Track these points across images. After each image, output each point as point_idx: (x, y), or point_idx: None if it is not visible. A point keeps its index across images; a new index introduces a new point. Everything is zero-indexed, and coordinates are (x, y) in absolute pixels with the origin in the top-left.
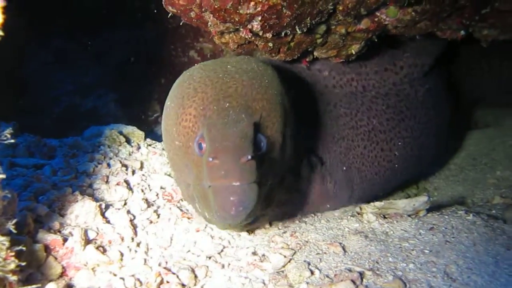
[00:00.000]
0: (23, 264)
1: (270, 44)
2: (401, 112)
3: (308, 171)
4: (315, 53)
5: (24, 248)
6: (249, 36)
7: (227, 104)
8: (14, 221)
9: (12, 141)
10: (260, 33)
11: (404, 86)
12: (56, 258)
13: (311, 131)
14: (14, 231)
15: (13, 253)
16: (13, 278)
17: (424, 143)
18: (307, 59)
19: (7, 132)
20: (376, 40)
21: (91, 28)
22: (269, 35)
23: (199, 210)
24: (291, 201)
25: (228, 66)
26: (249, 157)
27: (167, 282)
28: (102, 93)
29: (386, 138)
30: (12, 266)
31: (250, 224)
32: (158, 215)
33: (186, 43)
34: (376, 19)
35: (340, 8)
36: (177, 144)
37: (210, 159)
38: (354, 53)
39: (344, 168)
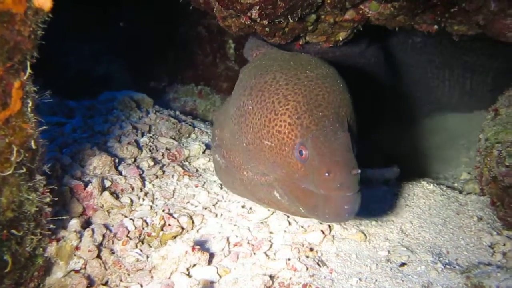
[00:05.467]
0: (56, 199)
1: (267, 29)
2: None
3: None
4: (307, 38)
5: (56, 187)
6: (249, 22)
7: (320, 114)
8: (48, 165)
9: (51, 100)
10: (258, 20)
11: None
12: (78, 200)
13: None
14: (49, 172)
15: (48, 190)
16: (48, 209)
17: None
18: (300, 42)
19: (48, 92)
20: (361, 29)
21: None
22: (265, 22)
23: (283, 202)
24: None
25: (307, 72)
26: (359, 170)
27: (169, 225)
28: (113, 60)
29: None
30: (48, 199)
31: None
32: (163, 172)
33: (194, 19)
34: (360, 11)
35: (328, 1)
36: (267, 143)
37: (327, 174)
38: (341, 39)
39: None
